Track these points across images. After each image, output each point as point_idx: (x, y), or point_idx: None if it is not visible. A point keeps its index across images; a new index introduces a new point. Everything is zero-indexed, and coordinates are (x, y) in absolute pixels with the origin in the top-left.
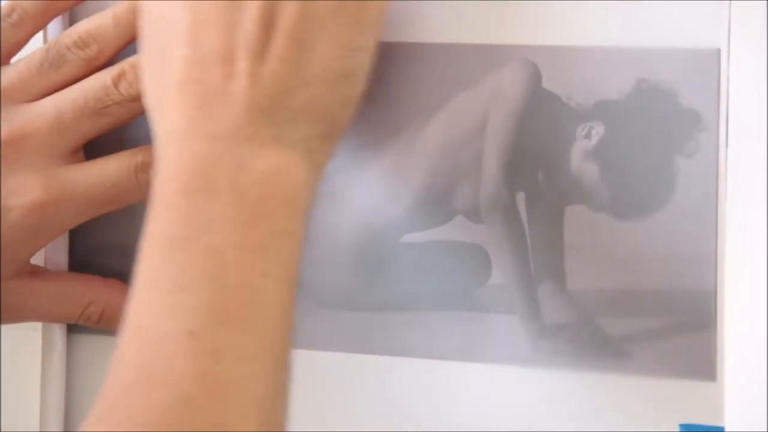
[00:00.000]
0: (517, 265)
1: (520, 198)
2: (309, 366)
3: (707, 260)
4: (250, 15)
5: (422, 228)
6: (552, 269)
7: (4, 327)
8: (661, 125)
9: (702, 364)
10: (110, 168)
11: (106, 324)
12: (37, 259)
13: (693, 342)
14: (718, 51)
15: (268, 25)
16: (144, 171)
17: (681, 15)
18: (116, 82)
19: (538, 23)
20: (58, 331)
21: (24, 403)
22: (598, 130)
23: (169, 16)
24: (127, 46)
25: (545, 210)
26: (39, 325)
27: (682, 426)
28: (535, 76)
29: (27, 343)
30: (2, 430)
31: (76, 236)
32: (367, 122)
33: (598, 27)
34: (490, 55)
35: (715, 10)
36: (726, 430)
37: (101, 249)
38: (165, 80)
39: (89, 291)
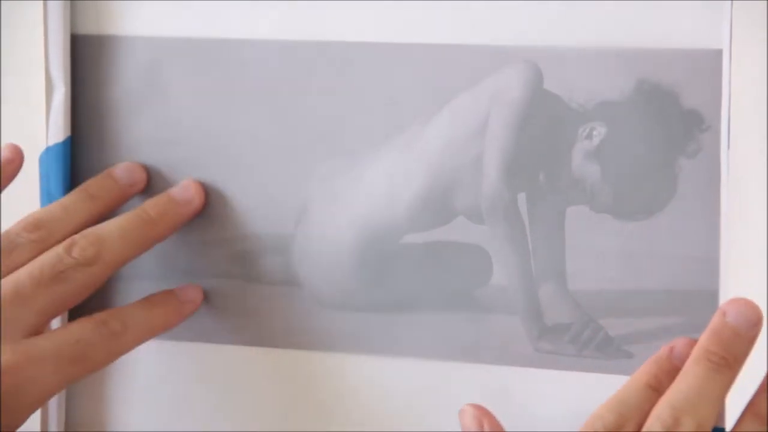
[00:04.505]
0: (518, 266)
1: (522, 199)
2: (310, 367)
3: (709, 261)
4: None
5: (423, 228)
6: (553, 270)
7: None
8: (662, 126)
9: None
10: (73, 325)
11: None
12: None
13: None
14: (720, 52)
15: None
16: (104, 325)
17: (682, 16)
18: (68, 249)
19: (540, 24)
20: None
21: None
22: (600, 131)
23: None
24: (77, 231)
25: (546, 211)
26: None
27: None
28: (536, 77)
29: None
30: (2, 430)
31: None
32: (367, 122)
33: (599, 28)
34: (492, 56)
35: (716, 11)
36: (726, 430)
37: None
38: None
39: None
